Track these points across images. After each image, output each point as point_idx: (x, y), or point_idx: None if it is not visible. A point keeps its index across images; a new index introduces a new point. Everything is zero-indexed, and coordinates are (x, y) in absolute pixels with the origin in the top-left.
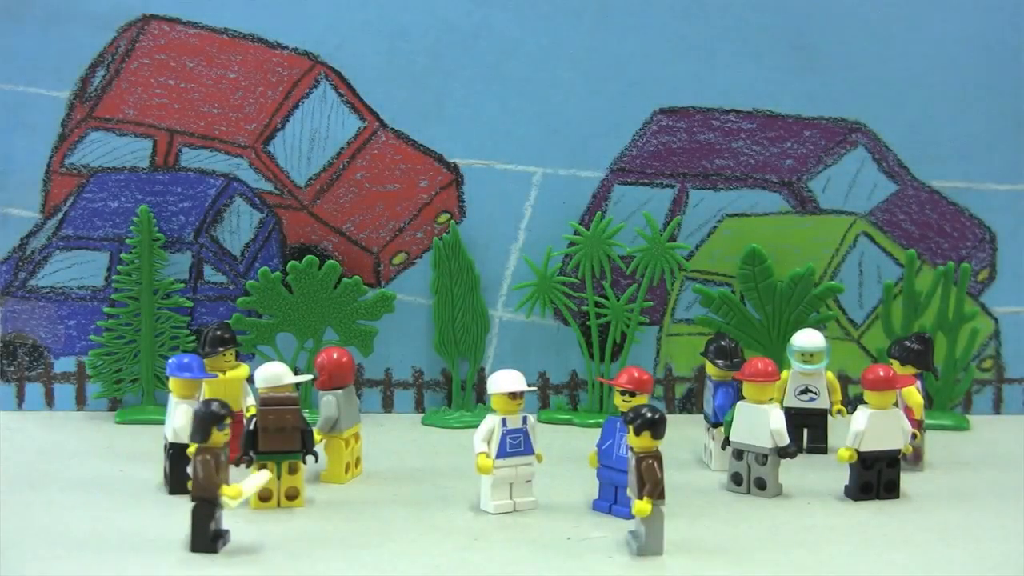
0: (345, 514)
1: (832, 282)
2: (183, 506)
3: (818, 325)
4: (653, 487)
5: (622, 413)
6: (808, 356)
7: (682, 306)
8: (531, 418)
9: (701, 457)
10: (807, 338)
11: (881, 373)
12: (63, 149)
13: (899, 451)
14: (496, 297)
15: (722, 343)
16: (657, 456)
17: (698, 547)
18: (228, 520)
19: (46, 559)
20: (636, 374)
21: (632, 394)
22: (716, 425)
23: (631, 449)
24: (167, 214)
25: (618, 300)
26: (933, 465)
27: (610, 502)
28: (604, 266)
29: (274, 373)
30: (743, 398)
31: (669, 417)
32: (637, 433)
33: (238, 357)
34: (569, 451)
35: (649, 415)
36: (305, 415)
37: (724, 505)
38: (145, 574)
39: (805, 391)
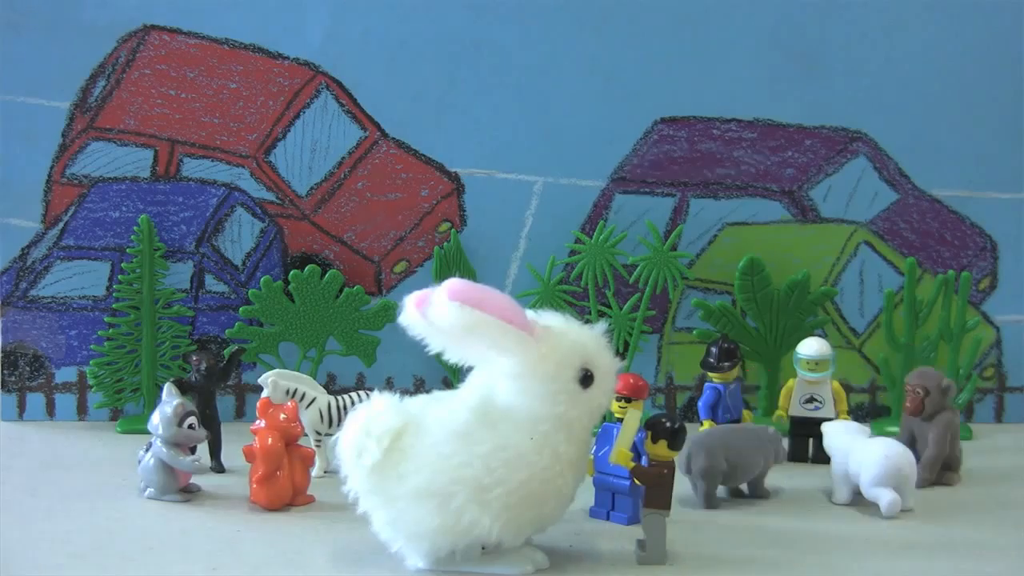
0: (348, 521)
1: (825, 287)
2: (187, 515)
3: (815, 329)
4: (661, 498)
5: (618, 419)
6: (814, 364)
7: (683, 315)
8: None
9: None
10: (813, 346)
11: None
12: (64, 159)
13: None
14: None
15: (725, 345)
16: (671, 466)
17: (697, 553)
18: (213, 525)
19: (47, 568)
20: (632, 380)
21: (628, 400)
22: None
23: (646, 454)
24: (168, 224)
25: (620, 309)
26: None
27: (607, 508)
28: (607, 275)
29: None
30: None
31: None
32: (654, 440)
33: (241, 367)
34: None
35: (668, 424)
36: None
37: (726, 511)
38: None
39: (811, 400)
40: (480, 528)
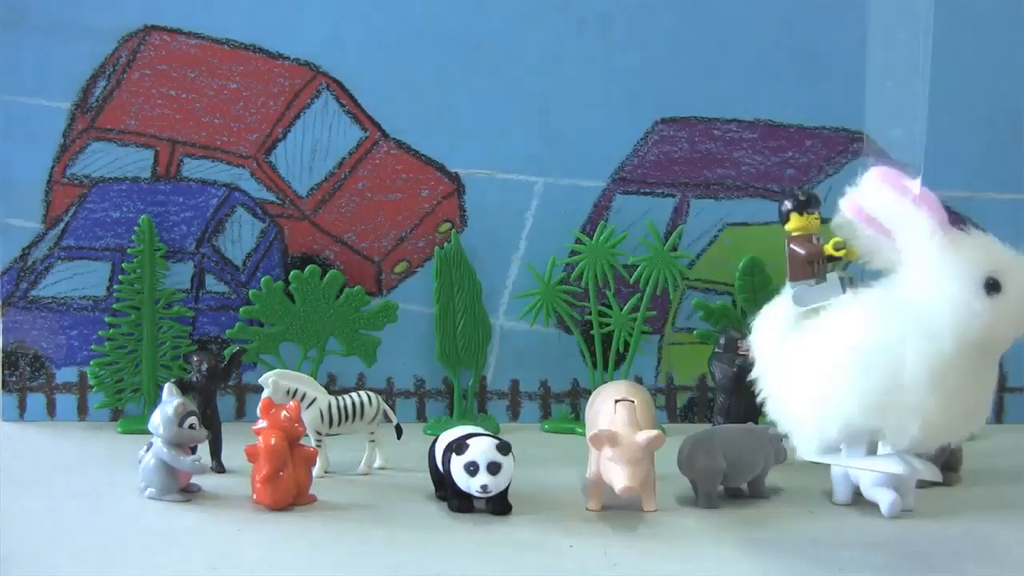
0: (349, 521)
1: None
2: (187, 515)
3: None
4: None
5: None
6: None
7: (683, 315)
8: None
9: None
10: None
11: None
12: (64, 160)
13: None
14: (497, 306)
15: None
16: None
17: (696, 553)
18: (214, 525)
19: (47, 567)
20: None
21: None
22: None
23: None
24: (169, 224)
25: (621, 309)
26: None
27: None
28: (608, 275)
29: None
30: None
31: (669, 427)
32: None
33: (242, 367)
34: (571, 459)
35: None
36: None
37: (726, 511)
38: None
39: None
40: (901, 427)
